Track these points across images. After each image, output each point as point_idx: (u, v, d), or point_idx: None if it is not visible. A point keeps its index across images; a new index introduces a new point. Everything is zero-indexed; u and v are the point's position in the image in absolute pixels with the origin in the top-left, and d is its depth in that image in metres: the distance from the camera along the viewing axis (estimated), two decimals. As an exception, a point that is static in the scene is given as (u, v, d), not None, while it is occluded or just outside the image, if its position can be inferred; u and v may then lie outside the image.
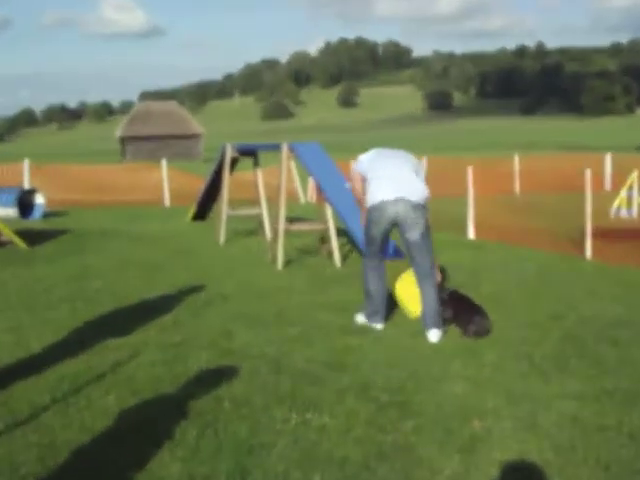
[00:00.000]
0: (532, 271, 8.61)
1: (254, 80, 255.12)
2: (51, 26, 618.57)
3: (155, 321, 6.23)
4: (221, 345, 5.54)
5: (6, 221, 13.16)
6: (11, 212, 14.22)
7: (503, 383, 4.68)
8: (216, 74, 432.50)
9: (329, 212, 9.40)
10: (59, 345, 5.50)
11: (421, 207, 5.63)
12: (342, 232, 10.73)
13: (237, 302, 7.06)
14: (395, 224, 5.70)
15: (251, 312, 6.63)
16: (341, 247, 10.05)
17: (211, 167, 13.12)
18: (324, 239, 9.84)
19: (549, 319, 6.29)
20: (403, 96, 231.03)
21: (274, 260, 9.27)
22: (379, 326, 6.00)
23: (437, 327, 5.67)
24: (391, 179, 5.67)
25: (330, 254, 9.52)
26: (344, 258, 9.62)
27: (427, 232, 5.66)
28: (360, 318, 6.17)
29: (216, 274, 8.56)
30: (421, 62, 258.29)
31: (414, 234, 5.61)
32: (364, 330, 5.95)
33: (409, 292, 6.22)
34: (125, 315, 6.48)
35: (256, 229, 12.46)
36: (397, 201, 5.59)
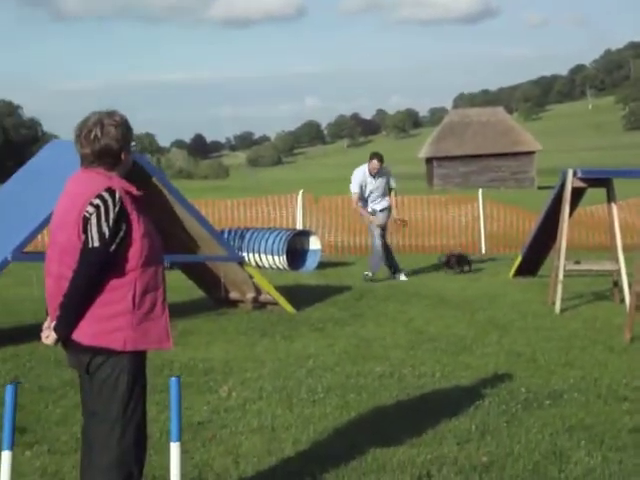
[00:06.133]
0: None
1: (617, 73, 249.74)
2: (352, 13, 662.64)
3: (453, 426, 6.16)
4: (549, 474, 5.25)
5: (272, 273, 14.08)
6: (279, 261, 15.15)
7: None
8: (561, 67, 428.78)
9: None
10: (325, 456, 5.57)
11: None
12: None
13: (576, 406, 6.72)
14: None
15: (597, 424, 6.24)
16: None
17: (547, 200, 12.89)
18: None
19: None
20: None
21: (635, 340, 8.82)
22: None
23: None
24: None
25: None
26: None
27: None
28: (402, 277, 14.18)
29: (545, 359, 8.30)
30: None
31: None
32: None
33: None
34: (413, 416, 6.44)
35: (609, 292, 11.99)
36: None
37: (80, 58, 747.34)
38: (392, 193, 14.18)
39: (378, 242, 14.02)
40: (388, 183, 14.10)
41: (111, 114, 4.07)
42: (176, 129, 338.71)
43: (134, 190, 4.02)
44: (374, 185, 13.98)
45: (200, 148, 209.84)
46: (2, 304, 11.58)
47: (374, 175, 13.92)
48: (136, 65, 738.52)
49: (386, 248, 14.34)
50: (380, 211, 14.10)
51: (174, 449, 3.83)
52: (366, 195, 14.05)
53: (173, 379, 3.86)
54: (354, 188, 14.03)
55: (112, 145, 4.01)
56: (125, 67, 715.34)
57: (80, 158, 4.06)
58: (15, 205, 9.80)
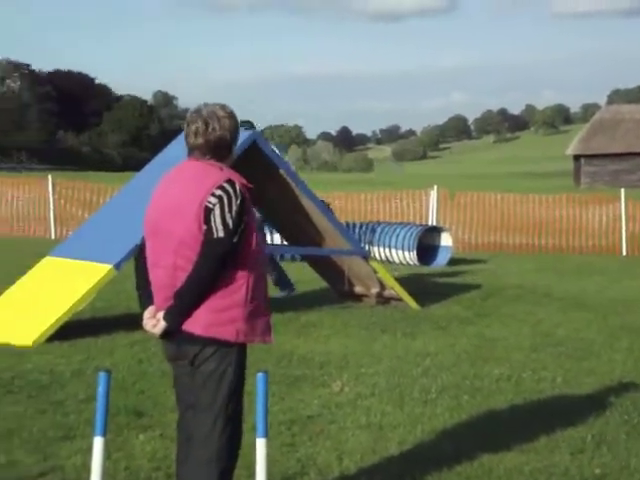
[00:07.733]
0: None
1: None
2: (505, 6, 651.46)
3: (568, 435, 5.95)
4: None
5: (401, 268, 13.99)
6: (409, 256, 15.02)
7: None
8: None
9: None
10: (429, 458, 5.46)
11: None
12: None
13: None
14: None
15: None
16: None
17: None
18: None
19: None
20: None
21: None
22: None
23: None
24: None
25: None
26: None
27: None
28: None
29: (677, 369, 7.95)
30: None
31: None
32: None
33: None
34: (527, 422, 6.25)
35: None
36: None
37: (233, 50, 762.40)
38: None
39: None
40: None
41: (222, 106, 4.07)
42: (323, 121, 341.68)
43: (247, 183, 4.01)
44: None
45: (346, 141, 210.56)
46: (134, 289, 11.87)
47: None
48: (286, 57, 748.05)
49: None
50: None
51: (260, 445, 3.80)
52: None
53: (260, 375, 3.81)
54: None
55: (226, 136, 4.01)
56: (275, 59, 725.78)
57: (189, 149, 4.04)
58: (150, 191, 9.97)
